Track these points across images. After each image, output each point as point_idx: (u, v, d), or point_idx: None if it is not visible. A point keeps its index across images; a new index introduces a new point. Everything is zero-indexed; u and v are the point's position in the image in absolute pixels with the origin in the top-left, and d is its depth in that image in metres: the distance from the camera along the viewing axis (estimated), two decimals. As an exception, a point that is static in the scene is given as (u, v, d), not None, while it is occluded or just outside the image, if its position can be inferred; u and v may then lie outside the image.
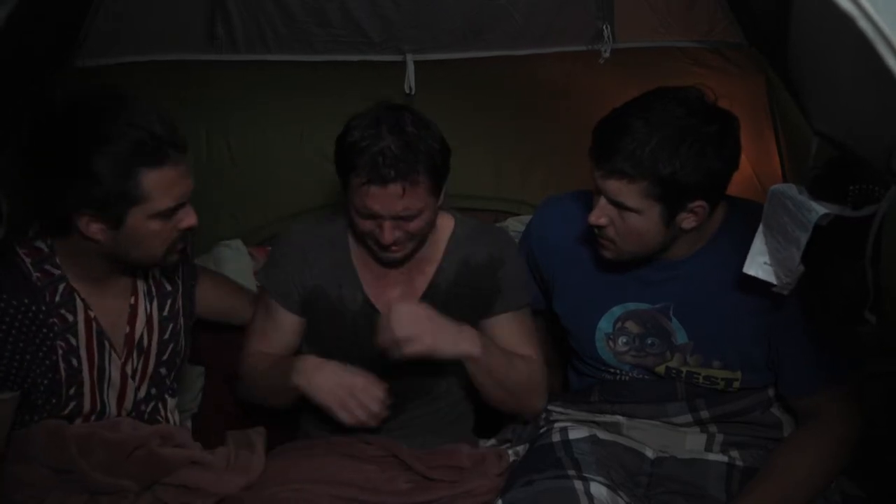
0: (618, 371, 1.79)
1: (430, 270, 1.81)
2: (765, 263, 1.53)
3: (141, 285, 1.70)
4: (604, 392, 1.80)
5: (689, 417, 1.72)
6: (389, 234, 1.65)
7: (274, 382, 1.75)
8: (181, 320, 1.78)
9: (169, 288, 1.76)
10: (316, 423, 1.84)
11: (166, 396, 1.77)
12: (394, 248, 1.69)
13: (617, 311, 1.74)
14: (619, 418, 1.76)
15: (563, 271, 1.80)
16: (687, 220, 1.59)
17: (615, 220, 1.60)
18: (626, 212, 1.58)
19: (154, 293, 1.72)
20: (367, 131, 1.62)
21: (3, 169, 1.61)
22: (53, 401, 1.57)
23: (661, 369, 1.73)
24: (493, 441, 1.90)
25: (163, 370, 1.73)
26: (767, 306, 1.62)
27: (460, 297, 1.79)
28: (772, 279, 1.53)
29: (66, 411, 1.60)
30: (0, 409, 1.52)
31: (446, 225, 1.84)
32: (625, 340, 1.74)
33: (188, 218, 1.58)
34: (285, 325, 1.83)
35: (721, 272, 1.64)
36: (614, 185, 1.56)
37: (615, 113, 1.58)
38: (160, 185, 1.50)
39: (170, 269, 1.76)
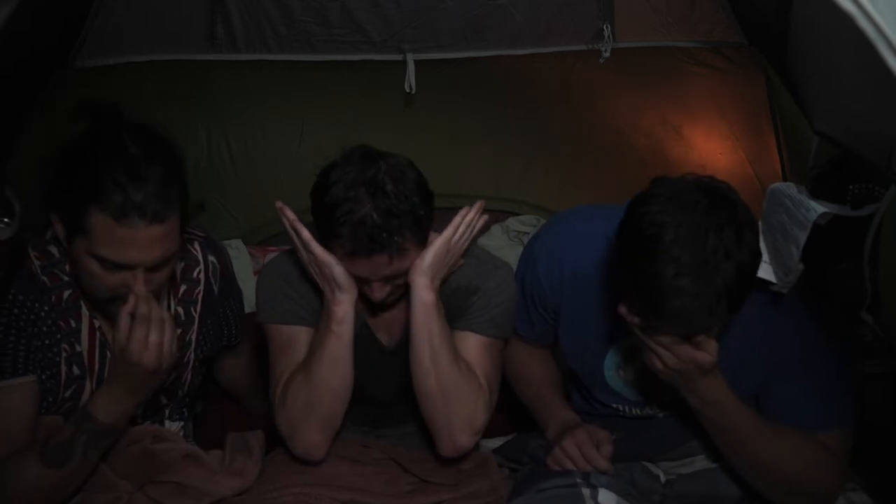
0: (625, 407, 1.74)
1: None
2: (764, 262, 1.52)
3: None
4: (618, 449, 1.69)
5: (707, 463, 1.68)
6: (380, 292, 1.60)
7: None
8: (191, 354, 1.72)
9: (185, 318, 1.70)
10: None
11: (166, 421, 1.74)
12: (385, 302, 1.64)
13: (629, 340, 1.65)
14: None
15: (572, 301, 1.73)
16: None
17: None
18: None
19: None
20: (346, 194, 1.53)
21: (15, 170, 1.61)
22: (50, 399, 1.56)
23: (667, 399, 1.70)
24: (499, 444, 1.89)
25: (162, 398, 1.70)
26: (775, 353, 1.57)
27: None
28: (772, 278, 1.52)
29: (61, 412, 1.58)
30: (15, 394, 1.51)
31: None
32: (635, 368, 1.68)
33: (136, 284, 1.48)
34: (307, 341, 1.74)
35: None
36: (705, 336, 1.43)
37: (665, 278, 1.34)
38: (101, 230, 1.43)
39: (189, 301, 1.72)
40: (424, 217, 1.60)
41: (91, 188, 1.43)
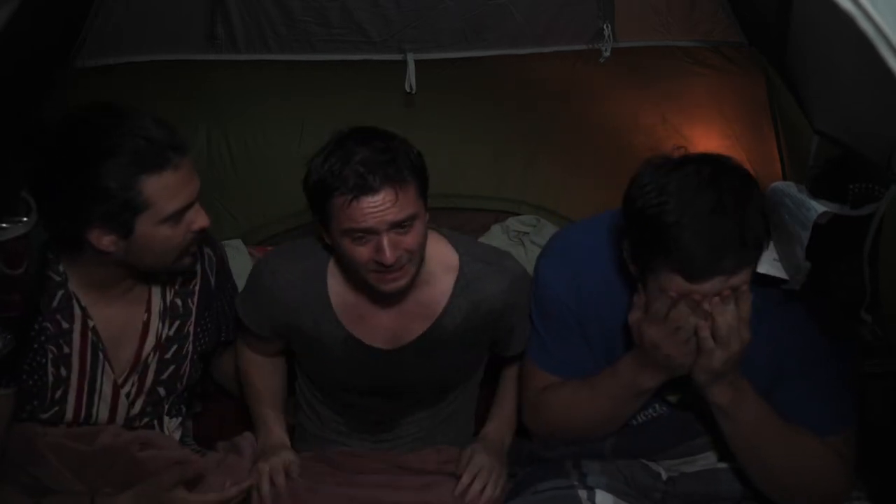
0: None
1: (435, 308, 1.71)
2: (774, 260, 1.51)
3: (156, 302, 1.68)
4: (619, 445, 1.70)
5: (712, 458, 1.67)
6: (391, 251, 1.53)
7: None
8: (189, 346, 1.73)
9: (182, 310, 1.71)
10: (306, 434, 1.88)
11: (164, 417, 1.74)
12: (396, 272, 1.58)
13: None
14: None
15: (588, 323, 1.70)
16: None
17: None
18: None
19: (168, 311, 1.69)
20: (334, 155, 1.54)
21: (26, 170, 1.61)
22: (36, 402, 1.56)
23: (673, 398, 1.69)
24: None
25: (161, 390, 1.70)
26: (778, 354, 1.56)
27: (466, 338, 1.72)
28: (783, 275, 1.51)
29: (48, 415, 1.58)
30: None
31: (450, 261, 1.72)
32: None
33: (199, 219, 1.56)
34: (267, 343, 1.85)
35: None
36: (739, 278, 1.41)
37: (693, 221, 1.37)
38: (163, 190, 1.48)
39: (186, 292, 1.73)
40: (421, 168, 1.59)
41: (122, 173, 1.45)
